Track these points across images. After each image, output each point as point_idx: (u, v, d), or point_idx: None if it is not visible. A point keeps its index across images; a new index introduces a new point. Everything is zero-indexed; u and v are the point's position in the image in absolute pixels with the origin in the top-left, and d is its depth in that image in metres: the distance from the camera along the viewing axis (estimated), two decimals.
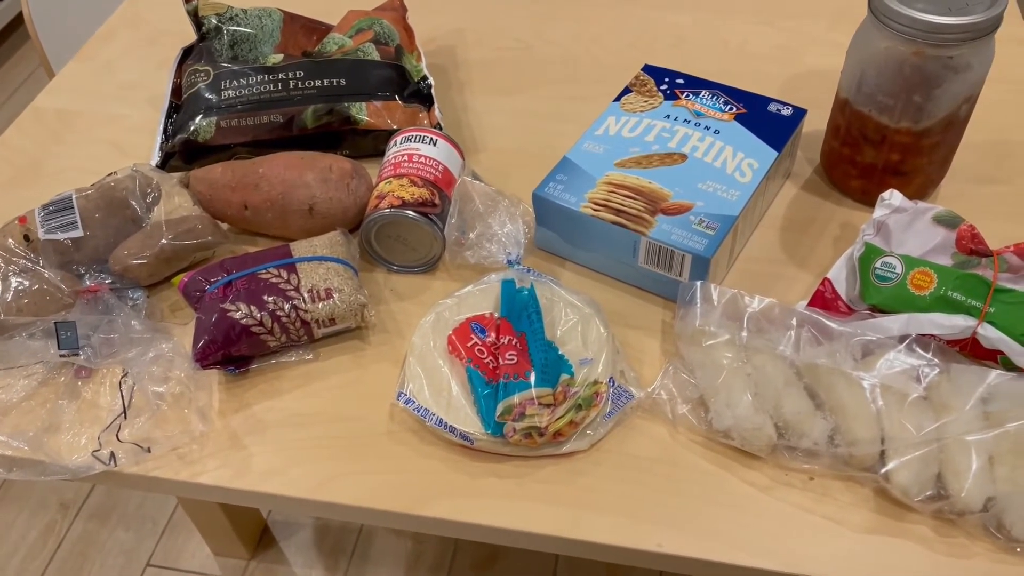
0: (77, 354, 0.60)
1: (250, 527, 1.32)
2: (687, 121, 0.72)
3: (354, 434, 0.61)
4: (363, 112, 0.78)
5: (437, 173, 0.71)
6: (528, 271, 0.66)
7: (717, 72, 0.88)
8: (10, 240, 0.67)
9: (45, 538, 1.39)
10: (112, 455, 0.58)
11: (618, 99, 0.76)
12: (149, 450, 0.59)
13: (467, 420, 0.58)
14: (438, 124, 0.80)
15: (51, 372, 0.64)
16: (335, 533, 1.35)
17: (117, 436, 0.59)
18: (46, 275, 0.65)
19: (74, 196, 0.69)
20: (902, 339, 0.58)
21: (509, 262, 0.67)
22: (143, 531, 1.39)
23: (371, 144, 0.80)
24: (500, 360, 0.59)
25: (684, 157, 0.69)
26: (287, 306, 0.63)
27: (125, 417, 0.61)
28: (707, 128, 0.72)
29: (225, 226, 0.74)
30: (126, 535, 1.38)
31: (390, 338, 0.67)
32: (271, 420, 0.62)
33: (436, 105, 0.81)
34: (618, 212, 0.66)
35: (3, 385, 0.63)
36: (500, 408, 0.57)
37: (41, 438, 0.60)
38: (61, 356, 0.60)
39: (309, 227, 0.71)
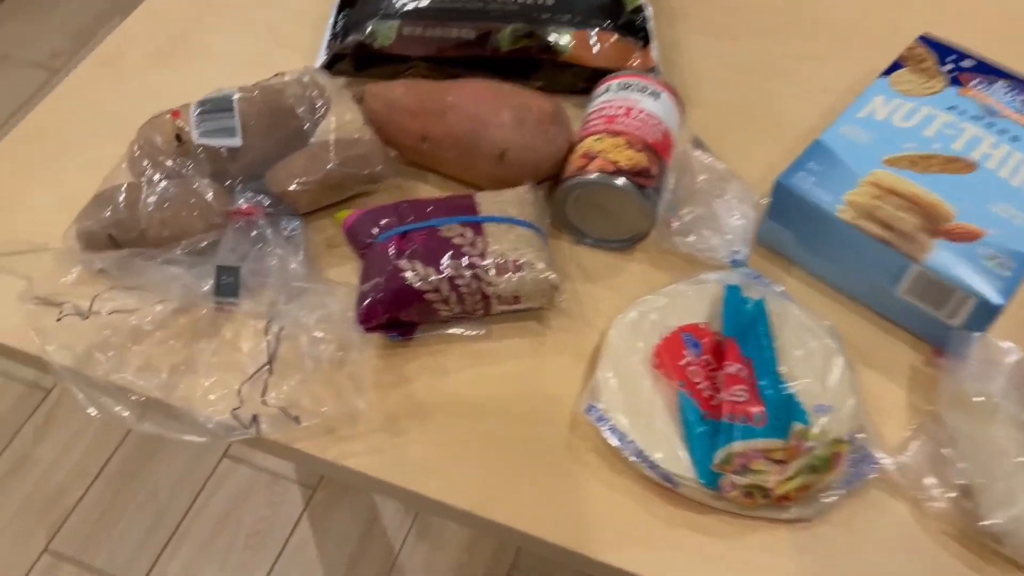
0: (234, 303, 0.51)
1: None
2: (977, 118, 0.58)
3: (527, 439, 0.52)
4: (568, 41, 0.66)
5: (658, 135, 0.59)
6: (757, 277, 0.55)
7: (1011, 56, 0.70)
8: (158, 137, 0.58)
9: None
10: (255, 419, 0.50)
11: (887, 74, 0.61)
12: (298, 420, 0.50)
13: (674, 458, 0.48)
14: (654, 68, 0.67)
15: (188, 298, 0.55)
16: None
17: (263, 398, 0.51)
18: (196, 186, 0.56)
19: (236, 97, 0.59)
20: None
21: (735, 262, 0.55)
22: None
23: (569, 80, 0.67)
24: (722, 392, 0.48)
25: (973, 166, 0.56)
26: (468, 275, 0.53)
27: (271, 371, 0.52)
28: (1003, 132, 0.57)
29: (392, 153, 0.64)
30: None
31: (574, 324, 0.57)
32: (432, 403, 0.53)
33: (654, 43, 0.68)
34: (885, 226, 0.53)
35: (135, 308, 0.55)
36: (720, 456, 0.47)
37: (174, 381, 0.53)
38: (216, 303, 0.51)
39: (495, 175, 0.60)
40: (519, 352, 0.55)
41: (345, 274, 0.59)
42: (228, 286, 0.50)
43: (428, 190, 0.64)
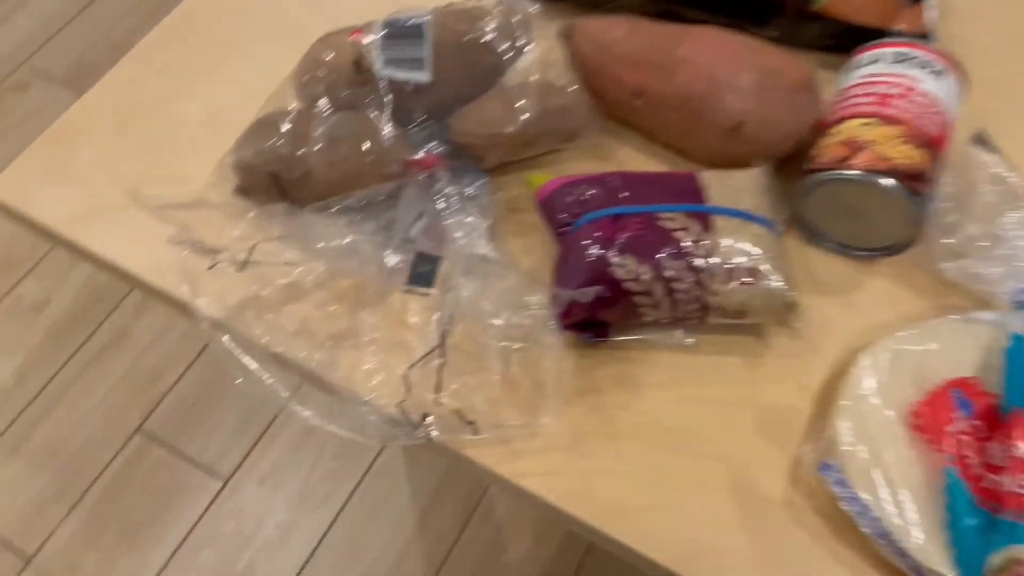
0: (427, 294, 0.43)
1: None
2: None
3: (737, 486, 0.43)
4: None
5: (940, 128, 0.47)
6: None
7: None
8: (334, 59, 0.49)
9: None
10: (425, 419, 0.43)
11: None
12: (475, 428, 0.43)
13: (930, 549, 0.39)
14: (927, 34, 0.54)
15: (366, 275, 0.48)
16: None
17: (436, 396, 0.43)
18: (375, 126, 0.48)
19: (429, 21, 0.49)
20: None
21: (1023, 304, 0.44)
22: None
23: (814, 34, 0.55)
24: (1005, 477, 0.39)
25: None
26: (690, 279, 0.44)
27: (444, 361, 0.45)
28: None
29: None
30: None
31: (799, 348, 0.47)
32: (625, 424, 0.45)
33: (931, 0, 0.55)
34: None
35: (295, 262, 0.48)
36: (996, 560, 0.38)
37: (335, 356, 0.46)
38: (406, 291, 0.43)
39: (720, 149, 0.50)
40: (731, 375, 0.46)
41: (530, 247, 0.50)
42: (424, 275, 0.42)
43: (631, 155, 0.54)
